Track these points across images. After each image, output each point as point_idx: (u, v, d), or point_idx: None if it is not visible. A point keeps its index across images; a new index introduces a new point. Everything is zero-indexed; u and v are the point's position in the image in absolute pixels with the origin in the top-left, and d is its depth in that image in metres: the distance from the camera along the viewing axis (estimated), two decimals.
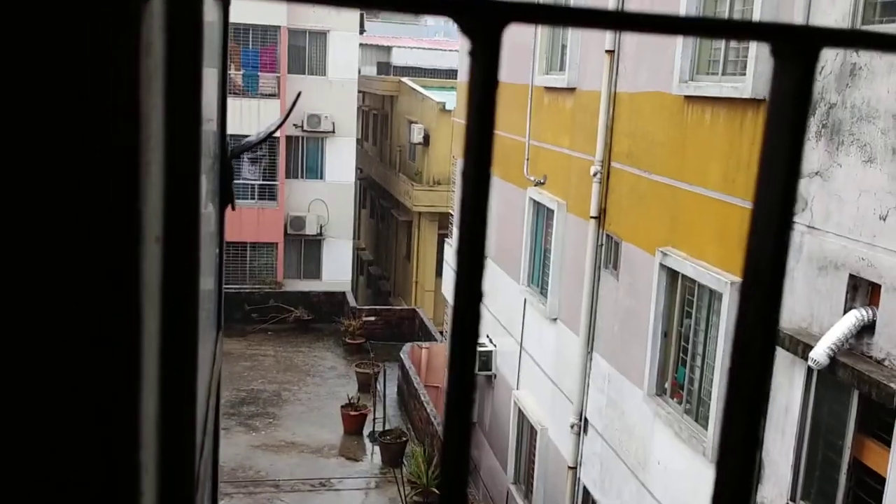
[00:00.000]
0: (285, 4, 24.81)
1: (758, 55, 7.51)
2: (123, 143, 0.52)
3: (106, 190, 0.52)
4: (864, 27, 6.44)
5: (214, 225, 1.65)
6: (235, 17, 24.69)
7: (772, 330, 0.45)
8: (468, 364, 0.42)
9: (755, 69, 7.52)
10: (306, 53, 26.28)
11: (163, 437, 0.73)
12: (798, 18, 6.98)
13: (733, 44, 8.27)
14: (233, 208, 1.78)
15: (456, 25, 0.39)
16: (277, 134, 24.97)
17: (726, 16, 8.31)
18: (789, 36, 0.43)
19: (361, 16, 27.19)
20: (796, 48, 0.43)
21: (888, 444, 6.05)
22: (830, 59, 6.67)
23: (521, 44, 13.58)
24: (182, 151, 0.75)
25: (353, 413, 17.62)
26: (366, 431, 17.62)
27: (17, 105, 0.50)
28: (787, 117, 0.43)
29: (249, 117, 23.91)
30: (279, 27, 25.31)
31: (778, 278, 0.45)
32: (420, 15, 0.43)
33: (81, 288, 0.53)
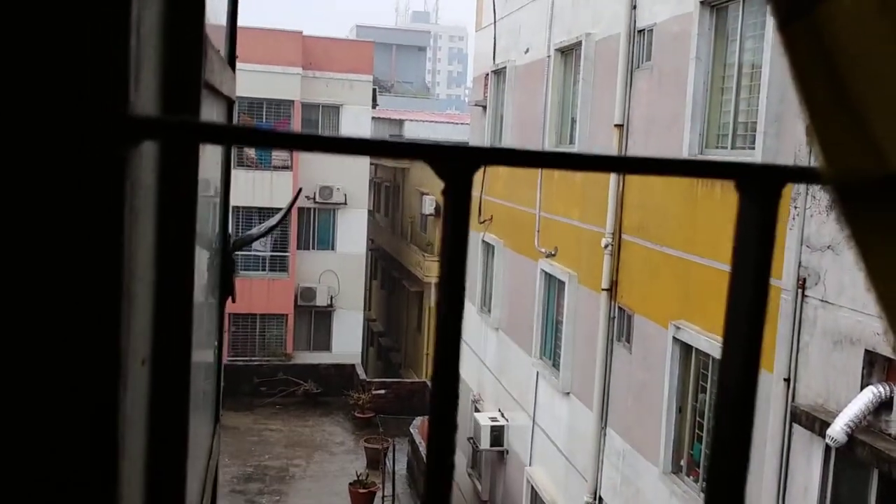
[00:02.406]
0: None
1: (766, 130, 7.55)
2: (104, 280, 0.55)
3: (88, 318, 0.54)
4: None
5: (214, 320, 1.63)
6: (250, 91, 25.21)
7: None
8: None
9: (764, 142, 7.56)
10: (319, 126, 26.69)
11: None
12: None
13: (741, 118, 8.33)
14: (233, 301, 1.76)
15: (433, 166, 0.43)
16: None
17: (733, 95, 8.39)
18: (752, 174, 0.47)
19: (374, 90, 27.68)
20: (759, 184, 0.46)
21: None
22: None
23: (531, 116, 13.75)
24: (174, 275, 0.80)
25: (361, 491, 17.26)
26: None
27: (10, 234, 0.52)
28: (752, 247, 0.47)
29: (262, 189, 24.18)
30: (293, 101, 25.78)
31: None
32: (401, 159, 0.47)
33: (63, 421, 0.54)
